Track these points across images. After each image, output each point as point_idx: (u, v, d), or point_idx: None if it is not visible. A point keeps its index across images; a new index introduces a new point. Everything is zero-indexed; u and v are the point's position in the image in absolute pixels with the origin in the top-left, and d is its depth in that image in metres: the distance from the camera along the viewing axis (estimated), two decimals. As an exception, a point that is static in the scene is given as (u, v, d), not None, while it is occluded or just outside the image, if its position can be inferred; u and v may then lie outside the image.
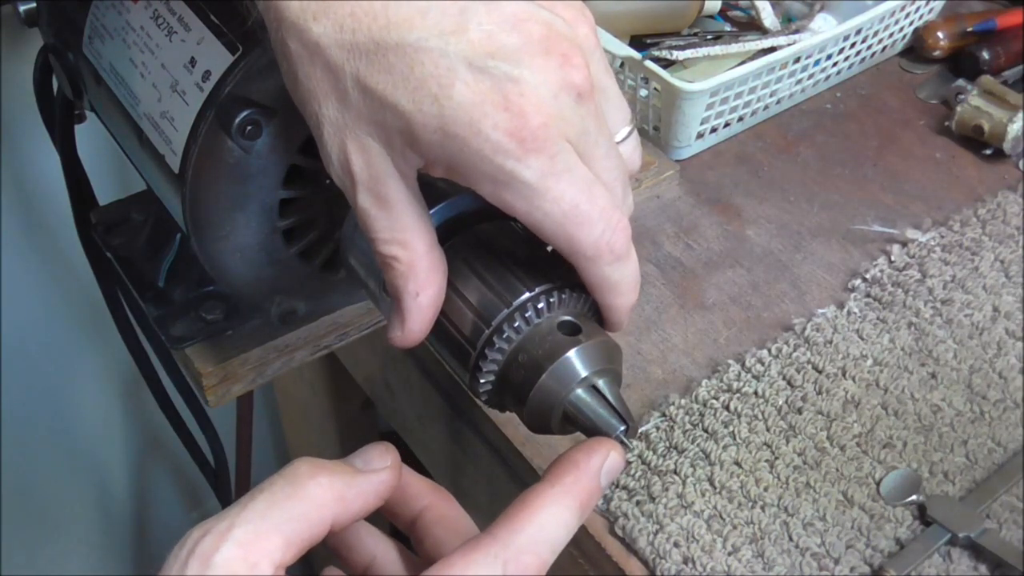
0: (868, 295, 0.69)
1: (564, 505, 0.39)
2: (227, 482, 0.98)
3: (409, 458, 0.43)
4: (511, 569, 0.38)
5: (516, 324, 0.44)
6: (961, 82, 0.83)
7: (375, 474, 0.41)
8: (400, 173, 0.42)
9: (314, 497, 0.38)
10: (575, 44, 0.41)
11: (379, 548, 0.45)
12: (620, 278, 0.44)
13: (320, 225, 0.56)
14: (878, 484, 0.58)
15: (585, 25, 0.43)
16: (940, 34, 0.89)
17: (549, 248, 0.46)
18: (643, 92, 0.80)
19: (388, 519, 0.46)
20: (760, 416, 0.62)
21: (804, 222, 0.76)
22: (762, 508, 0.57)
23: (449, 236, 0.46)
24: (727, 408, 0.62)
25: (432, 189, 0.44)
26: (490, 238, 0.47)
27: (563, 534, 0.39)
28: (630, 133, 0.46)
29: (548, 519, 0.39)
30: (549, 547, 0.39)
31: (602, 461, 0.41)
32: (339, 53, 0.40)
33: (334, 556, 0.45)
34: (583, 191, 0.41)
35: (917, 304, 0.68)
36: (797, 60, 0.81)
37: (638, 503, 0.58)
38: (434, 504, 0.45)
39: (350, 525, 0.41)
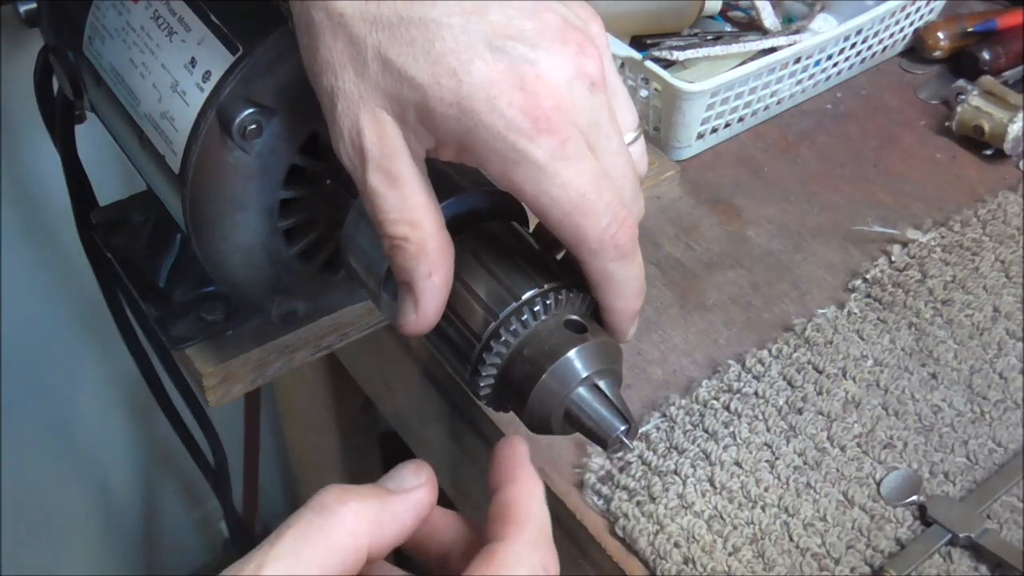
0: (868, 295, 0.69)
1: (527, 478, 0.41)
2: (227, 483, 0.98)
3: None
4: (536, 558, 0.38)
5: (524, 318, 0.44)
6: (961, 82, 0.83)
7: (409, 493, 0.39)
8: (411, 151, 0.42)
9: (347, 525, 0.36)
10: (589, 37, 0.42)
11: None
12: (623, 278, 0.44)
13: (320, 225, 0.56)
14: (878, 484, 0.58)
15: (597, 25, 0.44)
16: (940, 34, 0.89)
17: (559, 256, 0.46)
18: (643, 92, 0.80)
19: (417, 557, 0.44)
20: (760, 416, 0.62)
21: (804, 222, 0.76)
22: (762, 508, 0.57)
23: (457, 231, 0.46)
24: (727, 408, 0.62)
25: (441, 185, 0.44)
26: (499, 235, 0.47)
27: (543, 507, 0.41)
28: (637, 137, 0.47)
29: (532, 504, 0.40)
30: (544, 526, 0.40)
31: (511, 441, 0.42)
32: (363, 25, 0.40)
33: None
34: (591, 181, 0.41)
35: (917, 304, 0.68)
36: (797, 60, 0.81)
37: (638, 503, 0.58)
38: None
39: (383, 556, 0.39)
